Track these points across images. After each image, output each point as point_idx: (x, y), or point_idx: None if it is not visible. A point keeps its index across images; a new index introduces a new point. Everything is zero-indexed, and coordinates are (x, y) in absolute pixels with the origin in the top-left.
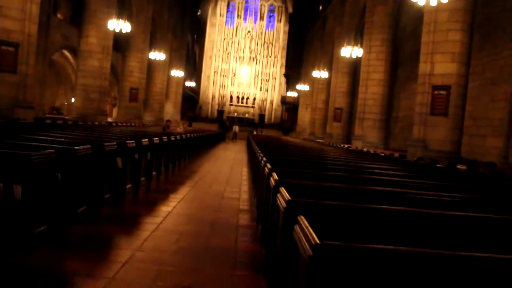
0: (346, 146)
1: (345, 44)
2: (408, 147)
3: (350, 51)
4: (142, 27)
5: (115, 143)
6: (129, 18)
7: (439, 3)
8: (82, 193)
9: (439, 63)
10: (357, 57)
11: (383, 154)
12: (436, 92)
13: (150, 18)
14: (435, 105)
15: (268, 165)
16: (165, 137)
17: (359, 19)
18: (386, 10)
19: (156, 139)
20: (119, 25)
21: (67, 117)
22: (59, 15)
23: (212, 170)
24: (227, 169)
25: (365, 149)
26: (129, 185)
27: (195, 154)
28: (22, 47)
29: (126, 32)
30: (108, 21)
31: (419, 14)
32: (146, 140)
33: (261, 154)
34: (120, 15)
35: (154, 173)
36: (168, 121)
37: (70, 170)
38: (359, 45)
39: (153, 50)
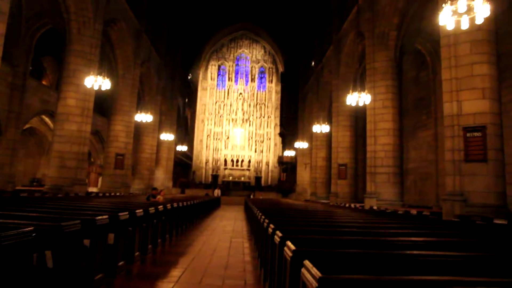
0: (357, 205)
1: (349, 92)
2: (443, 202)
3: (356, 99)
4: (129, 89)
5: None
6: (115, 79)
7: (458, 35)
8: None
9: (468, 101)
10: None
11: (401, 212)
12: (469, 134)
13: (137, 80)
14: (470, 150)
15: (279, 233)
16: (140, 210)
17: (357, 68)
18: (388, 55)
19: (123, 215)
20: (97, 82)
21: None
22: (44, 82)
23: (205, 248)
24: (226, 245)
25: (377, 207)
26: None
27: (187, 226)
28: None
29: (112, 95)
30: (86, 78)
31: (420, 58)
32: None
33: (267, 221)
34: (103, 75)
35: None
36: (154, 189)
37: None
38: (365, 92)
39: (140, 112)
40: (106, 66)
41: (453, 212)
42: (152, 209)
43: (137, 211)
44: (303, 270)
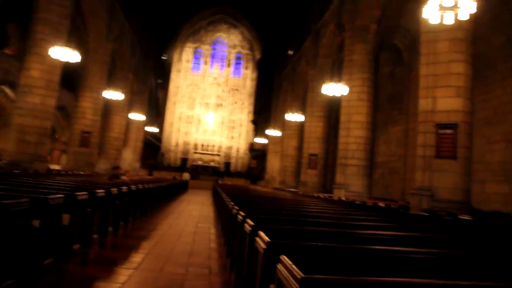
0: (326, 196)
1: (325, 82)
2: (411, 196)
3: (332, 89)
4: (99, 64)
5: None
6: (85, 53)
7: (438, 33)
8: None
9: (443, 98)
10: (332, 99)
11: (370, 204)
12: (441, 131)
13: (109, 56)
14: (441, 147)
15: (250, 222)
16: (101, 190)
17: (334, 60)
18: (366, 48)
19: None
20: (65, 54)
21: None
22: (7, 51)
23: (169, 233)
24: (191, 230)
25: (345, 198)
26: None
27: (151, 209)
28: None
29: (81, 70)
30: (51, 49)
31: (396, 55)
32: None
33: (236, 208)
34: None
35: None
36: (116, 167)
37: None
38: (341, 83)
39: (110, 89)
40: (76, 38)
41: (421, 206)
42: (114, 190)
43: (98, 191)
44: (279, 266)
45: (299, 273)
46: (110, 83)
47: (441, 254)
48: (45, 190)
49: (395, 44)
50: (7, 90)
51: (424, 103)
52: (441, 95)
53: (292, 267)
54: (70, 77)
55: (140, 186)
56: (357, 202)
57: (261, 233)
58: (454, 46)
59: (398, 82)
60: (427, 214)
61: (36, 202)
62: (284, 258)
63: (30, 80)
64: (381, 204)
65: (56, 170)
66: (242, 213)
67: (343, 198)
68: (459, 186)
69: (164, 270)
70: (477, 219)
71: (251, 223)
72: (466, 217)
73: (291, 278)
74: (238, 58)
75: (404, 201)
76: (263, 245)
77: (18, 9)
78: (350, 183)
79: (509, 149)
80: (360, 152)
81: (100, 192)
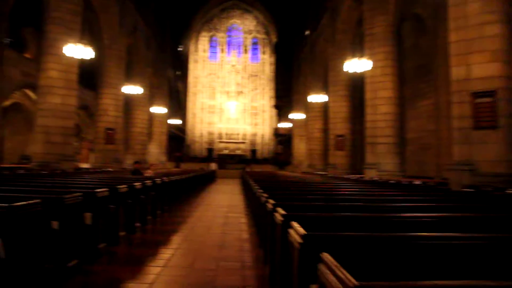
0: (357, 176)
1: (346, 59)
2: (448, 172)
3: (354, 65)
4: (116, 60)
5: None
6: (101, 50)
7: None
8: None
9: (477, 65)
10: (354, 76)
11: (405, 183)
12: (478, 100)
13: (124, 51)
14: (480, 117)
15: (281, 211)
16: (123, 186)
17: (353, 34)
18: (387, 20)
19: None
20: (79, 50)
21: (29, 166)
22: (27, 55)
23: (199, 225)
24: (221, 221)
25: (378, 178)
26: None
27: (180, 201)
28: None
29: (99, 68)
30: (65, 47)
31: (419, 24)
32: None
33: (264, 194)
34: (86, 45)
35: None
36: (137, 162)
37: None
38: (364, 57)
39: (129, 84)
40: (90, 36)
41: (461, 182)
42: (138, 184)
43: (119, 186)
44: (322, 268)
45: (350, 280)
46: (129, 78)
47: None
48: (63, 189)
49: (417, 14)
50: (30, 93)
51: (456, 72)
52: (475, 61)
53: (340, 271)
54: (90, 76)
55: (165, 179)
56: (391, 181)
57: (295, 224)
58: (485, 6)
59: (424, 53)
60: (472, 190)
61: (50, 203)
62: (327, 257)
63: (49, 80)
64: (417, 182)
65: (85, 168)
66: (271, 201)
67: (376, 178)
68: (503, 158)
69: (194, 266)
70: None
71: (283, 212)
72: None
73: (296, 236)
74: (254, 44)
75: (440, 178)
76: (298, 239)
77: (32, 12)
78: (381, 162)
79: None
80: (389, 129)
81: (122, 187)
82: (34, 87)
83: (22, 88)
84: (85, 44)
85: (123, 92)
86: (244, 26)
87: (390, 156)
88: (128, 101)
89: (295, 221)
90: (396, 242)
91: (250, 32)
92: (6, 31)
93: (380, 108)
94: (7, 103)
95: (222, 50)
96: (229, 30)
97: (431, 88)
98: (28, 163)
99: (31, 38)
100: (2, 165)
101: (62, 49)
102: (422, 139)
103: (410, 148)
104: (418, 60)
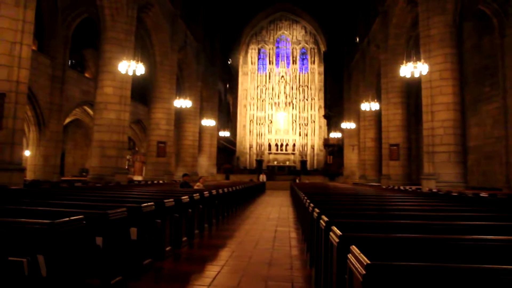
0: (414, 188)
1: (401, 64)
2: None
3: (410, 69)
4: (167, 75)
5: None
6: (153, 67)
7: None
8: None
9: None
10: (408, 82)
11: (469, 195)
12: None
13: (175, 66)
14: None
15: (337, 231)
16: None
17: (406, 38)
18: (445, 20)
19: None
20: (132, 67)
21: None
22: (87, 74)
23: (247, 239)
24: (270, 235)
25: (437, 190)
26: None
27: (228, 213)
28: (9, 97)
29: (151, 83)
30: (120, 65)
31: (482, 23)
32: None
33: (311, 204)
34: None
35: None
36: (185, 175)
37: None
38: (420, 61)
39: (180, 98)
40: (142, 53)
41: None
42: (185, 198)
43: (166, 200)
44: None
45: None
46: (180, 92)
47: None
48: (110, 203)
49: (480, 11)
50: (89, 110)
51: None
52: None
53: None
54: (143, 92)
55: (214, 192)
56: (453, 194)
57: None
58: None
59: (487, 54)
60: None
61: (94, 218)
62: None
63: (105, 97)
64: (484, 194)
65: (138, 181)
66: (317, 209)
67: (435, 190)
68: None
69: (240, 286)
70: None
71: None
72: None
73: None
74: (303, 54)
75: (509, 189)
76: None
77: (91, 35)
78: (441, 172)
79: None
80: (449, 137)
81: (169, 201)
82: (92, 104)
83: (81, 105)
84: (137, 61)
85: (174, 106)
86: (293, 36)
87: (450, 166)
88: (179, 114)
89: (353, 243)
90: (476, 277)
91: (298, 42)
92: (69, 53)
93: (438, 114)
94: (68, 119)
95: (271, 62)
96: (277, 41)
97: (496, 91)
98: (86, 176)
99: (90, 58)
100: (63, 178)
101: (116, 67)
102: (486, 147)
103: (472, 157)
104: (480, 62)
